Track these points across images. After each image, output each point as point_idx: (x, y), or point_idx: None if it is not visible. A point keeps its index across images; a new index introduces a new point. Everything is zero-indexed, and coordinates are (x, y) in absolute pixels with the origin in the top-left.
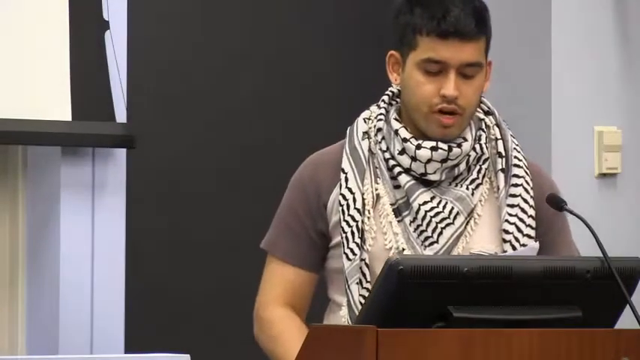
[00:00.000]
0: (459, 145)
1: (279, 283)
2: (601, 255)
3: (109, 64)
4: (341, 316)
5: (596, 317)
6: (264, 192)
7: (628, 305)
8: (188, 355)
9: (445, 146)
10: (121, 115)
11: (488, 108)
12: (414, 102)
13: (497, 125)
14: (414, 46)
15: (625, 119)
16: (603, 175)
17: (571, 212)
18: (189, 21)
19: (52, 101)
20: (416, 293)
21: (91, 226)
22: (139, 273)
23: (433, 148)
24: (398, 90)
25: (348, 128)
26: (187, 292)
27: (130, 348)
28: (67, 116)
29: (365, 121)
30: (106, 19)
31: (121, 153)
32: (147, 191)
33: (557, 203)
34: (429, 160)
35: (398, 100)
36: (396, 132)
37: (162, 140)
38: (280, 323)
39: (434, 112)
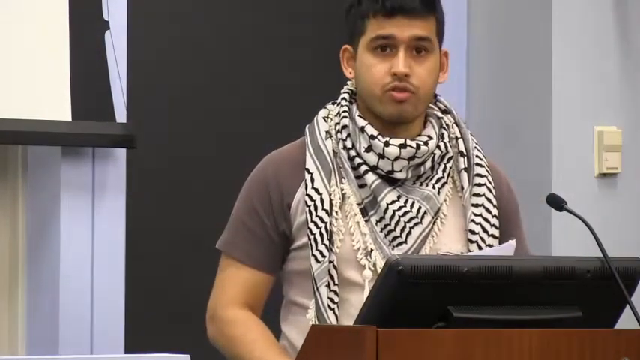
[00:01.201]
0: (426, 143)
1: (237, 284)
2: (601, 255)
3: (109, 64)
4: (308, 319)
5: (596, 317)
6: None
7: (628, 305)
8: (188, 355)
9: (413, 144)
10: (120, 115)
11: (446, 107)
12: (367, 86)
13: (456, 124)
14: (363, 31)
15: (625, 119)
16: (603, 175)
17: (571, 212)
18: (190, 21)
19: (52, 101)
20: (416, 293)
21: (91, 226)
22: (139, 273)
23: (401, 146)
24: (357, 88)
25: (307, 127)
26: (187, 292)
27: (130, 348)
28: (67, 116)
29: (325, 120)
30: (106, 19)
31: (121, 153)
32: (147, 191)
33: (557, 203)
34: (397, 158)
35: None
36: (362, 129)
37: (162, 140)
38: (243, 324)
39: (387, 91)
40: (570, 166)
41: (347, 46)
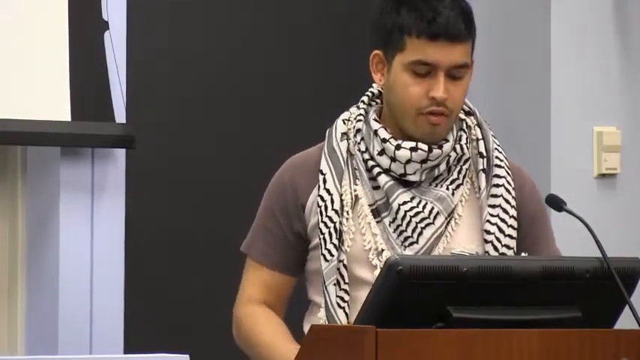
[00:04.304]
0: (440, 146)
1: (255, 283)
2: (600, 255)
3: (109, 65)
4: (319, 318)
5: (595, 317)
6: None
7: (627, 306)
8: (187, 355)
9: (425, 147)
10: (120, 115)
11: (469, 108)
12: (401, 104)
13: (479, 125)
14: (402, 48)
15: (624, 119)
16: (603, 176)
17: (570, 213)
18: (189, 21)
19: (51, 101)
20: (415, 293)
21: (91, 226)
22: (138, 273)
23: (412, 149)
24: (378, 91)
25: (327, 130)
26: (187, 292)
27: (129, 348)
28: (67, 116)
29: (344, 122)
30: (106, 20)
31: (121, 153)
32: (146, 191)
33: (556, 204)
34: (409, 161)
35: (378, 100)
36: (376, 132)
37: (162, 140)
38: (252, 319)
39: (422, 114)
40: (570, 166)
41: (378, 52)
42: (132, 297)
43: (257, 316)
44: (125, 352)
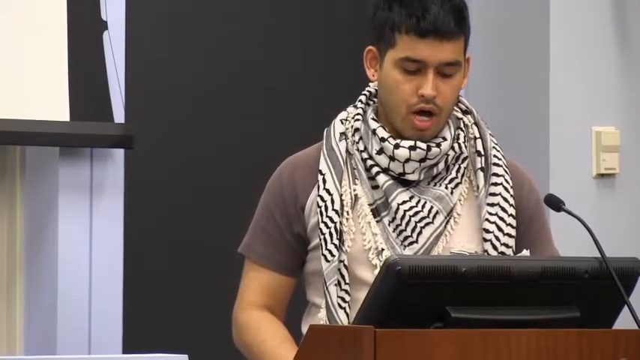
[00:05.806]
0: (438, 145)
1: (255, 286)
2: (599, 255)
3: (108, 65)
4: (319, 319)
5: (594, 317)
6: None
7: (626, 306)
8: (186, 355)
9: (424, 146)
10: (119, 115)
11: (467, 107)
12: (392, 101)
13: (476, 124)
14: (393, 44)
15: (623, 119)
16: (601, 176)
17: (569, 213)
18: (188, 21)
19: (50, 101)
20: (414, 293)
21: (89, 226)
22: (137, 273)
23: (411, 148)
24: (375, 90)
25: (325, 130)
26: (186, 292)
27: (127, 348)
28: (66, 116)
29: (342, 122)
30: (105, 19)
31: (119, 153)
32: (145, 192)
33: (555, 204)
34: (408, 160)
35: (375, 100)
36: (374, 131)
37: (161, 141)
38: (255, 326)
39: (411, 113)
40: (568, 166)
41: (371, 48)
42: (131, 297)
43: (260, 323)
44: (124, 352)
